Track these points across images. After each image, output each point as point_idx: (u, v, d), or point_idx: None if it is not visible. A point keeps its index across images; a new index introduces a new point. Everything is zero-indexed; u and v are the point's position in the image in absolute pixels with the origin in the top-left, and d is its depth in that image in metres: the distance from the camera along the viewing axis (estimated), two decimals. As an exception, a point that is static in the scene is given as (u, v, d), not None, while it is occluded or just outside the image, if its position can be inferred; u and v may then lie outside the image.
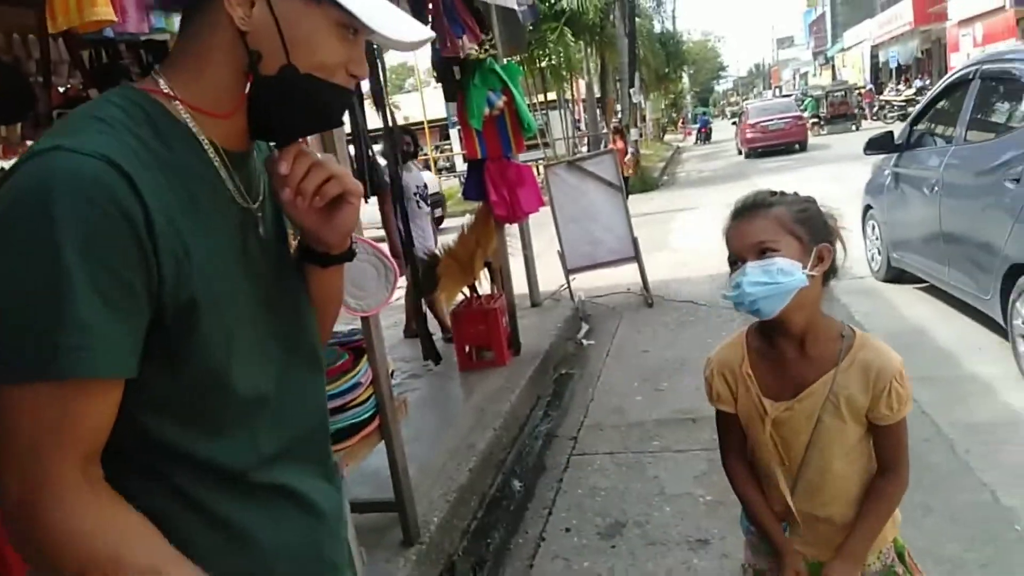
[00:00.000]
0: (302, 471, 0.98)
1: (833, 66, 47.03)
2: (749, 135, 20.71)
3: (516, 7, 4.52)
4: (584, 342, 5.66)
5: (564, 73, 17.78)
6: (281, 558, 0.93)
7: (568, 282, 6.52)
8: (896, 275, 5.77)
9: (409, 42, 0.93)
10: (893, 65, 31.03)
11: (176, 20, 2.00)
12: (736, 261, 1.40)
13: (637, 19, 18.25)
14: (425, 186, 5.79)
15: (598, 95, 21.54)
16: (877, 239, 5.99)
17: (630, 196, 10.98)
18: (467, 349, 4.79)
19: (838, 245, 1.42)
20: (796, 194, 1.46)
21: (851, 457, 1.43)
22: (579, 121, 24.44)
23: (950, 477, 2.96)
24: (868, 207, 6.14)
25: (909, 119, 5.72)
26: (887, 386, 1.36)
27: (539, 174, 9.86)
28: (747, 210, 1.42)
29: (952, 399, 3.64)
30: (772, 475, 1.49)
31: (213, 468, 0.86)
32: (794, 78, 66.71)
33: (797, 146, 20.08)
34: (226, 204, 0.90)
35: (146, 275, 0.76)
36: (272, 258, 0.98)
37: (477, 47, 4.42)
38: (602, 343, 5.58)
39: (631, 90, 17.86)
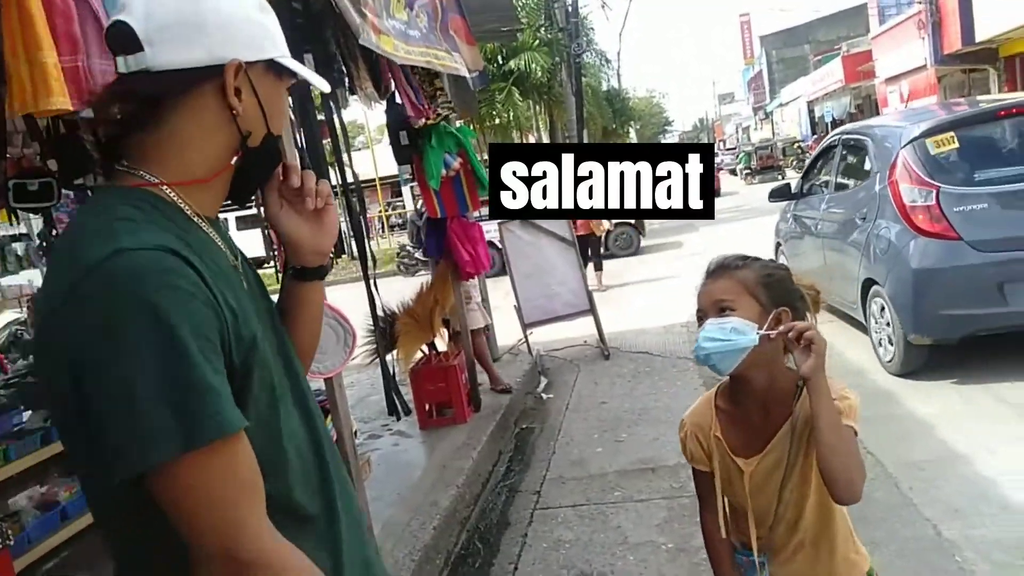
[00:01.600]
0: (338, 486, 1.09)
1: (772, 121, 49.08)
2: None
3: (467, 75, 4.71)
4: (544, 396, 5.74)
5: (514, 131, 18.24)
6: (350, 569, 1.05)
7: (526, 336, 6.62)
8: None
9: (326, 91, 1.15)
10: (828, 120, 32.50)
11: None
12: (701, 318, 1.47)
13: (584, 78, 18.87)
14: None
15: (549, 151, 22.07)
16: None
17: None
18: (427, 407, 4.81)
19: (808, 312, 1.48)
20: (770, 261, 1.53)
21: (820, 483, 1.45)
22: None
23: (895, 512, 3.10)
24: (778, 244, 7.50)
25: (802, 173, 7.03)
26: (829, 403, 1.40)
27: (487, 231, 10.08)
28: (715, 271, 1.50)
29: (893, 437, 3.80)
30: (750, 516, 1.53)
31: (286, 507, 0.98)
32: (736, 132, 69.33)
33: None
34: (227, 264, 1.01)
35: (220, 335, 0.88)
36: (258, 304, 1.06)
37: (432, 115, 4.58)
38: (561, 396, 5.66)
39: (581, 146, 18.35)
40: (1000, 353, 4.64)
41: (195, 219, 0.98)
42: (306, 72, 1.04)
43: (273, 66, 1.01)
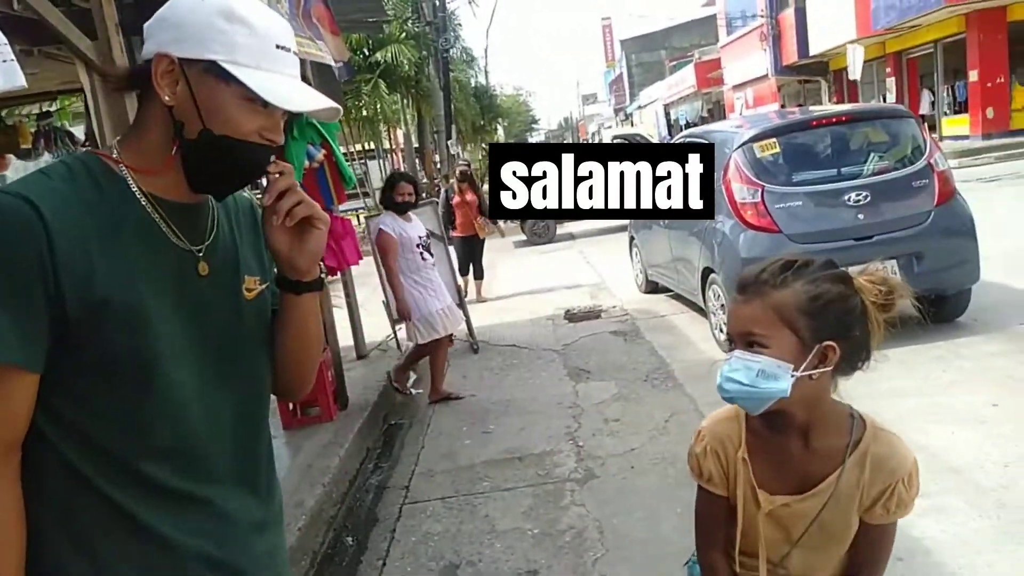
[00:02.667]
0: (223, 484, 1.14)
1: (632, 122, 51.26)
2: None
3: (332, 64, 4.60)
4: (413, 391, 5.71)
5: (381, 124, 17.98)
6: (189, 555, 1.09)
7: (394, 332, 6.56)
8: (653, 288, 7.69)
9: (312, 110, 1.13)
10: (683, 122, 34.41)
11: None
12: (731, 341, 1.25)
13: (452, 73, 18.90)
14: (429, 234, 5.46)
15: (416, 145, 21.93)
16: (639, 262, 7.87)
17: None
18: (291, 406, 4.67)
19: (872, 337, 1.22)
20: (824, 271, 1.24)
21: (841, 559, 1.33)
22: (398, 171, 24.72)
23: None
24: (632, 238, 8.09)
25: None
26: (892, 486, 1.23)
27: (359, 224, 9.83)
28: (748, 287, 1.24)
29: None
30: (756, 555, 1.33)
31: (129, 467, 1.05)
32: (599, 131, 71.73)
33: None
34: (157, 241, 1.09)
35: (44, 288, 0.97)
36: (212, 293, 1.14)
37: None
38: (427, 401, 5.67)
39: (449, 141, 18.39)
40: None
41: (141, 198, 1.08)
42: (257, 82, 1.05)
43: (216, 69, 1.05)
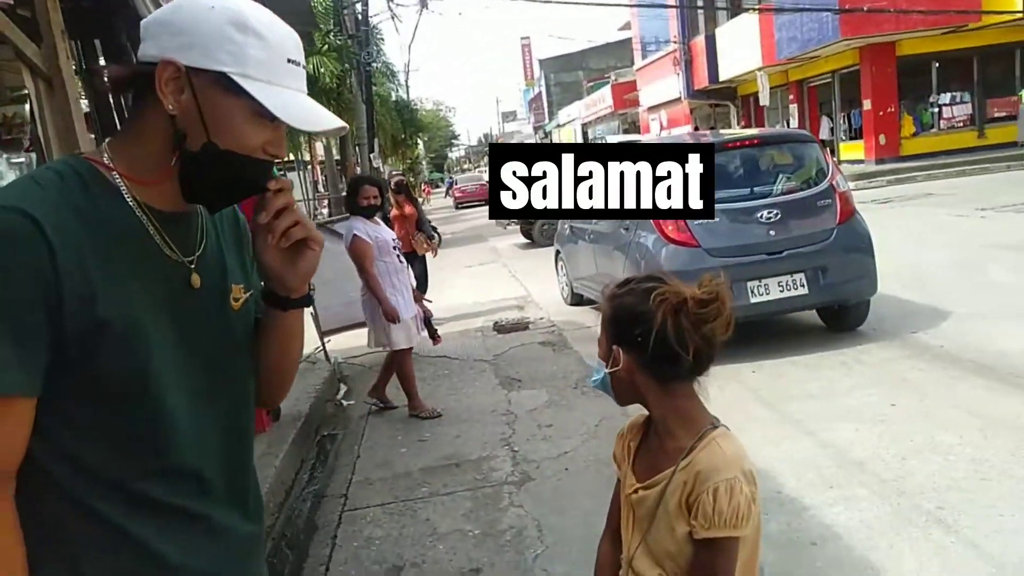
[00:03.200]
0: (214, 499, 1.10)
1: (551, 140, 52.19)
2: (457, 195, 32.78)
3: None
4: (344, 402, 5.72)
5: (300, 136, 17.71)
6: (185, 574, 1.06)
7: (323, 344, 6.53)
8: (578, 299, 7.93)
9: (321, 131, 1.10)
10: (600, 141, 35.31)
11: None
12: None
13: (374, 86, 18.85)
14: (396, 239, 5.33)
15: (337, 157, 21.70)
16: (565, 275, 8.16)
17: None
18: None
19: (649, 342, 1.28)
20: (642, 281, 1.36)
21: (678, 561, 1.29)
22: (317, 183, 24.37)
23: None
24: (557, 251, 8.38)
25: None
26: (699, 496, 1.23)
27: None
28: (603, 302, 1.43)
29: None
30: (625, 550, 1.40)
31: (120, 485, 1.01)
32: (518, 149, 72.36)
33: (483, 202, 29.30)
34: (151, 254, 1.05)
35: (46, 309, 0.92)
36: (203, 306, 1.11)
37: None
38: (362, 402, 5.68)
39: (372, 155, 18.30)
40: (736, 340, 5.49)
41: (136, 208, 1.03)
42: (268, 97, 1.01)
43: (225, 81, 1.00)
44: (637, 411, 1.43)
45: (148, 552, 1.02)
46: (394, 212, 8.01)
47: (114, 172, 1.03)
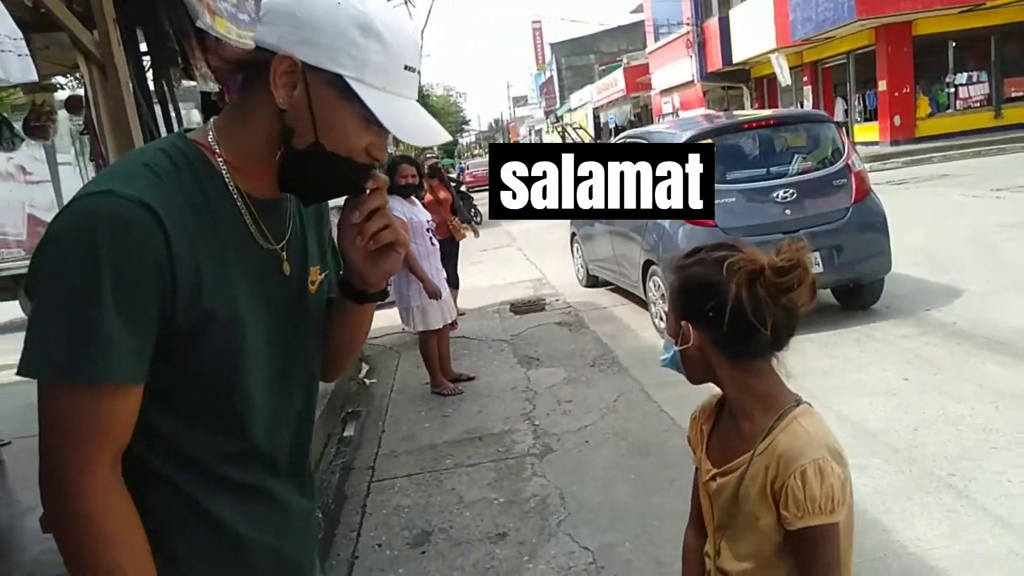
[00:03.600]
0: (279, 479, 1.14)
1: (562, 125, 51.98)
2: (468, 179, 34.00)
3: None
4: (366, 381, 5.87)
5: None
6: (256, 550, 1.09)
7: (345, 325, 6.68)
8: (593, 282, 8.05)
9: (428, 145, 1.11)
10: (612, 125, 35.25)
11: (2, 69, 2.02)
12: None
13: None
14: (431, 220, 5.37)
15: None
16: (580, 257, 8.26)
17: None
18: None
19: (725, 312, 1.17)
20: (713, 250, 1.25)
21: (762, 563, 1.21)
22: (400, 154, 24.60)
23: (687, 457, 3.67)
24: (573, 234, 8.42)
25: None
26: (787, 482, 1.13)
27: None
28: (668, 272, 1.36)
29: (681, 397, 4.44)
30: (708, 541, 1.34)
31: (204, 466, 1.03)
32: (530, 134, 72.38)
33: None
34: (247, 243, 1.05)
35: (161, 302, 0.93)
36: (290, 292, 1.12)
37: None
38: (385, 381, 5.83)
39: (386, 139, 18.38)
40: None
41: (236, 196, 1.03)
42: (380, 108, 0.99)
43: (341, 83, 0.98)
44: (694, 391, 1.38)
45: (223, 528, 1.05)
46: (428, 197, 7.32)
47: (219, 157, 1.02)
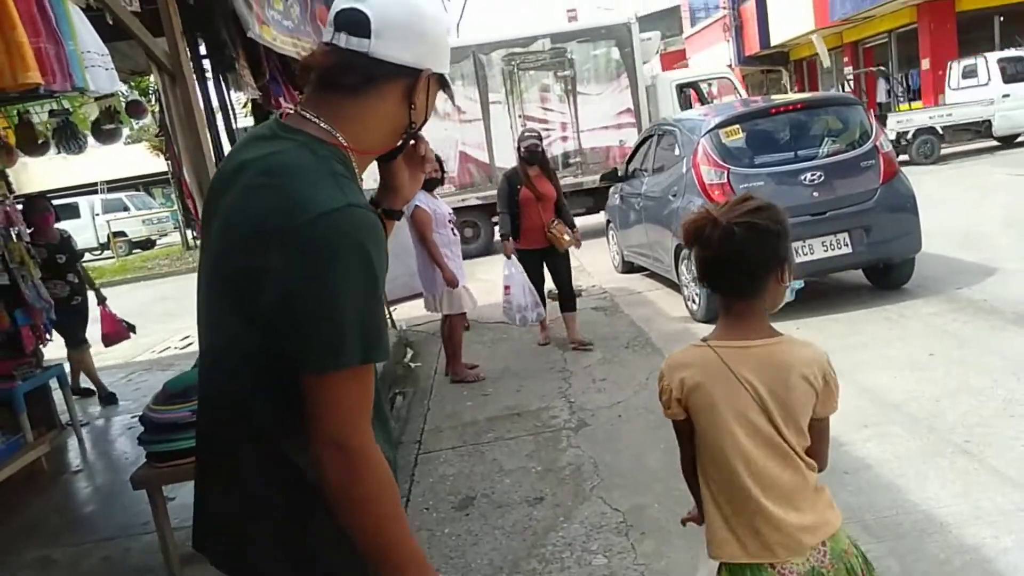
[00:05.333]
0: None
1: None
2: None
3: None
4: (412, 365, 6.17)
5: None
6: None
7: (389, 312, 6.99)
8: (629, 268, 8.31)
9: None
10: (649, 112, 35.00)
11: (93, 82, 2.32)
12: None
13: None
14: (452, 213, 5.56)
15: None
16: (616, 244, 8.53)
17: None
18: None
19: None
20: (769, 205, 1.55)
21: (798, 464, 1.52)
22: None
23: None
24: (608, 221, 8.75)
25: (626, 159, 8.25)
26: (822, 381, 1.55)
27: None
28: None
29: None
30: None
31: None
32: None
33: None
34: None
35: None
36: None
37: (294, 106, 4.84)
38: (428, 364, 6.13)
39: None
40: None
41: (359, 180, 1.22)
42: (456, 94, 1.34)
43: (442, 80, 1.28)
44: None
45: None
46: (524, 192, 5.58)
47: (349, 151, 1.20)
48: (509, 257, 5.80)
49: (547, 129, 11.12)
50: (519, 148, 5.78)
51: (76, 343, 6.12)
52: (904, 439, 3.45)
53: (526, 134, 5.87)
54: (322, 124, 1.20)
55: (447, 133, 11.07)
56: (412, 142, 1.33)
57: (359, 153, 1.23)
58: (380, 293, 1.11)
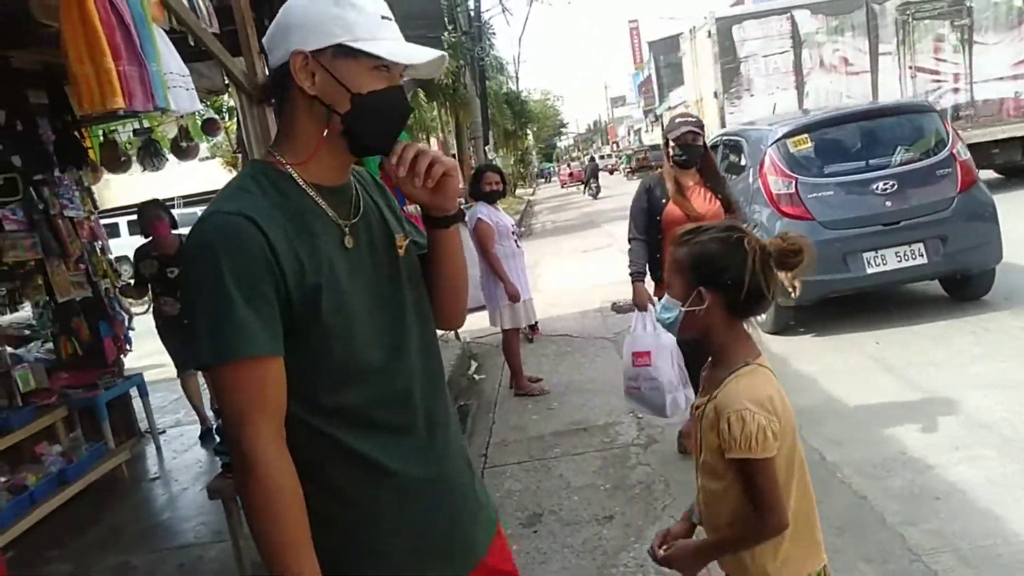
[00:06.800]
0: (417, 416, 1.33)
1: (662, 123, 51.26)
2: (563, 177, 43.61)
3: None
4: (476, 377, 6.17)
5: (420, 133, 18.55)
6: (401, 477, 1.29)
7: (453, 324, 7.01)
8: None
9: (426, 62, 1.26)
10: (712, 122, 34.51)
11: (175, 102, 2.40)
12: None
13: (487, 80, 19.41)
14: (515, 224, 5.58)
15: (454, 152, 22.47)
16: None
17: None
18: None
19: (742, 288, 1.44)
20: (720, 232, 1.52)
21: (719, 480, 1.50)
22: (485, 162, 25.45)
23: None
24: None
25: None
26: (719, 423, 1.44)
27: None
28: (671, 246, 1.59)
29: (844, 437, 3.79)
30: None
31: (354, 415, 1.25)
32: (628, 134, 71.80)
33: (580, 181, 36.89)
34: (328, 223, 1.27)
35: (275, 286, 1.16)
36: (374, 259, 1.31)
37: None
38: (493, 377, 6.11)
39: (486, 147, 18.89)
40: (846, 310, 5.76)
41: (308, 189, 1.25)
42: (379, 49, 1.21)
43: (344, 49, 1.20)
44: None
45: (369, 461, 1.25)
46: (671, 210, 3.69)
47: (286, 165, 1.25)
48: (644, 309, 3.85)
49: (938, 80, 11.03)
50: (667, 141, 3.78)
51: (181, 366, 5.41)
52: (998, 463, 3.25)
53: (678, 120, 3.75)
54: (271, 148, 1.31)
55: (832, 86, 11.10)
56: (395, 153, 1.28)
57: (297, 164, 1.26)
58: (232, 293, 1.12)
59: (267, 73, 1.26)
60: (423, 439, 1.33)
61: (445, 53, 1.35)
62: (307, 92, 1.21)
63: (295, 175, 1.25)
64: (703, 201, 3.69)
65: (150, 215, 5.18)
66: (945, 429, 3.63)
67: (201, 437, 5.45)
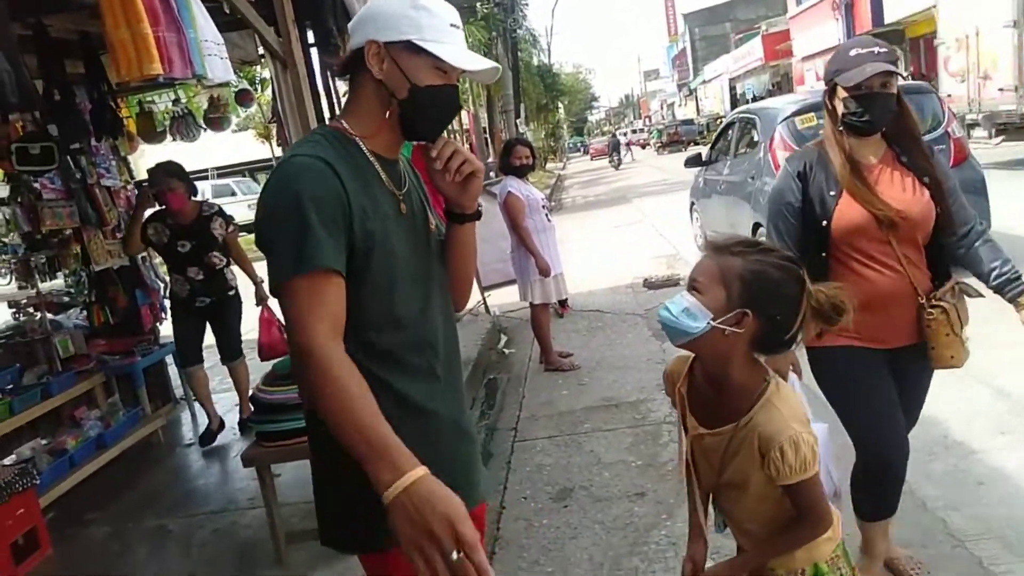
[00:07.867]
0: (440, 362, 1.48)
1: (696, 97, 50.43)
2: (592, 152, 45.37)
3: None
4: (506, 351, 6.16)
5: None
6: (433, 417, 1.44)
7: (484, 298, 7.01)
8: None
9: (480, 70, 1.43)
10: (749, 96, 33.81)
11: (211, 71, 2.38)
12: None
13: (519, 53, 19.19)
14: (545, 198, 5.57)
15: (485, 126, 22.33)
16: (699, 225, 8.86)
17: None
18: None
19: (792, 327, 1.39)
20: (780, 260, 1.41)
21: (762, 496, 1.48)
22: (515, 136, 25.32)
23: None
24: (692, 203, 9.13)
25: (710, 144, 8.35)
26: (767, 455, 1.39)
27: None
28: (710, 248, 1.48)
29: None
30: (692, 488, 1.63)
31: (390, 356, 1.40)
32: (661, 108, 70.73)
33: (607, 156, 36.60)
34: (384, 188, 1.43)
35: (344, 219, 1.31)
36: (414, 229, 1.48)
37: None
38: (523, 351, 6.10)
39: (517, 120, 18.74)
40: None
41: (370, 156, 1.43)
42: (442, 52, 1.37)
43: (412, 45, 1.37)
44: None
45: (408, 401, 1.40)
46: (841, 209, 2.15)
47: (352, 134, 1.43)
48: (786, 377, 1.94)
49: None
50: (831, 89, 2.30)
51: (187, 359, 4.82)
52: (1045, 448, 3.15)
53: (855, 53, 2.24)
54: (338, 116, 1.49)
55: None
56: (435, 143, 1.44)
57: (366, 136, 1.43)
58: (311, 217, 1.26)
59: (345, 53, 1.48)
60: (447, 384, 1.49)
61: (499, 65, 1.50)
62: (375, 76, 1.39)
63: (359, 141, 1.42)
64: (900, 190, 2.21)
65: (161, 183, 4.36)
66: (991, 414, 3.52)
67: (201, 437, 4.94)
